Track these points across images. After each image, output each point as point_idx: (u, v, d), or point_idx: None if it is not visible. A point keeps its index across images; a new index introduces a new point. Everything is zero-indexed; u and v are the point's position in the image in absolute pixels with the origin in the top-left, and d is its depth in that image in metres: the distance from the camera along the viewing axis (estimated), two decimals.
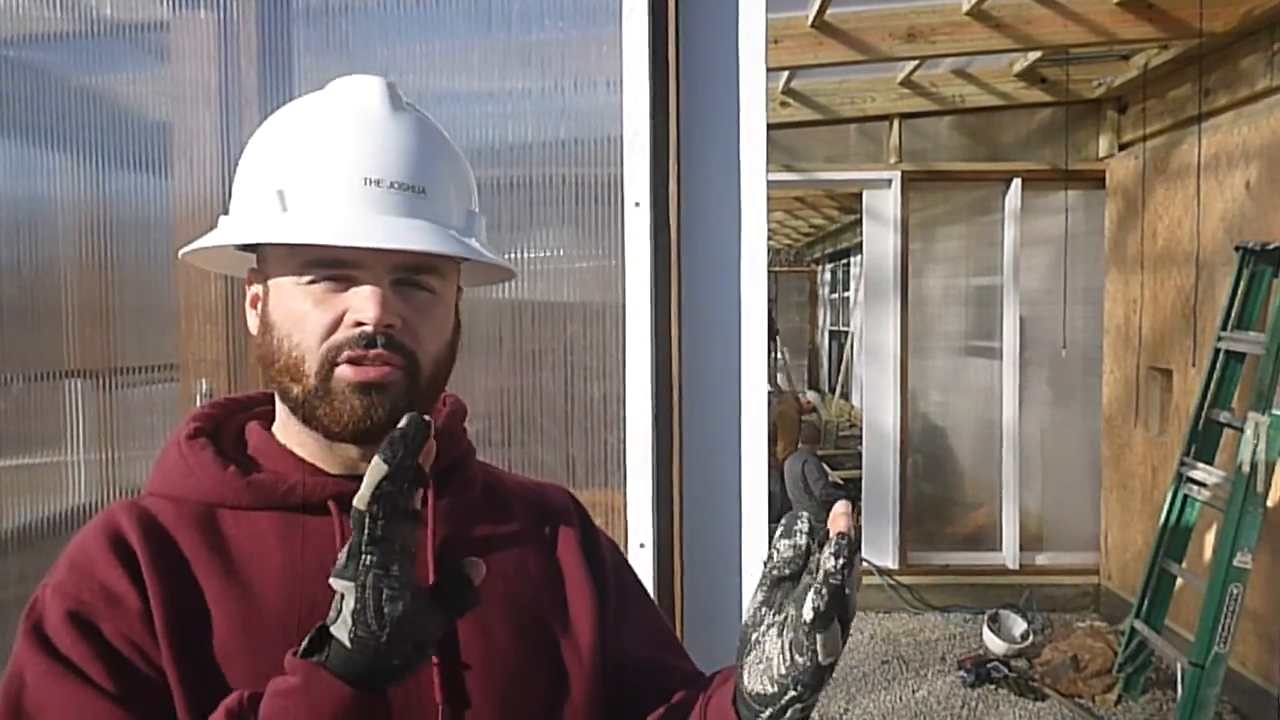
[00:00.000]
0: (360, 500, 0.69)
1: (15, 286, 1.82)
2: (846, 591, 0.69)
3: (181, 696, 0.77)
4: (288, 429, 0.89)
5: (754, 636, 0.73)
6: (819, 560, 0.69)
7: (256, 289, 0.89)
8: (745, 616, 0.75)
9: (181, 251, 0.92)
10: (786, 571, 0.72)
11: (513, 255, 1.73)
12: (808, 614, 0.68)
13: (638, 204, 1.64)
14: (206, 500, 0.85)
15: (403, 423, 0.69)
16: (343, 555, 0.69)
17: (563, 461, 1.73)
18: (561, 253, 1.76)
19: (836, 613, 0.68)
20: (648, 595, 1.05)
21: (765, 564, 0.74)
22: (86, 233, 1.79)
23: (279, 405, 0.90)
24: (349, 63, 1.75)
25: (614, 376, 1.68)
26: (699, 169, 1.68)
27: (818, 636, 0.68)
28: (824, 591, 0.68)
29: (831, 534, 0.70)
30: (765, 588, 0.74)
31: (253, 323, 0.90)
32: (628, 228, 1.65)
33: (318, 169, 0.83)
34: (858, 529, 0.73)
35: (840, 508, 0.72)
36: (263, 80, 1.73)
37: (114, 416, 1.82)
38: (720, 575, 1.72)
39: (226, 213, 0.90)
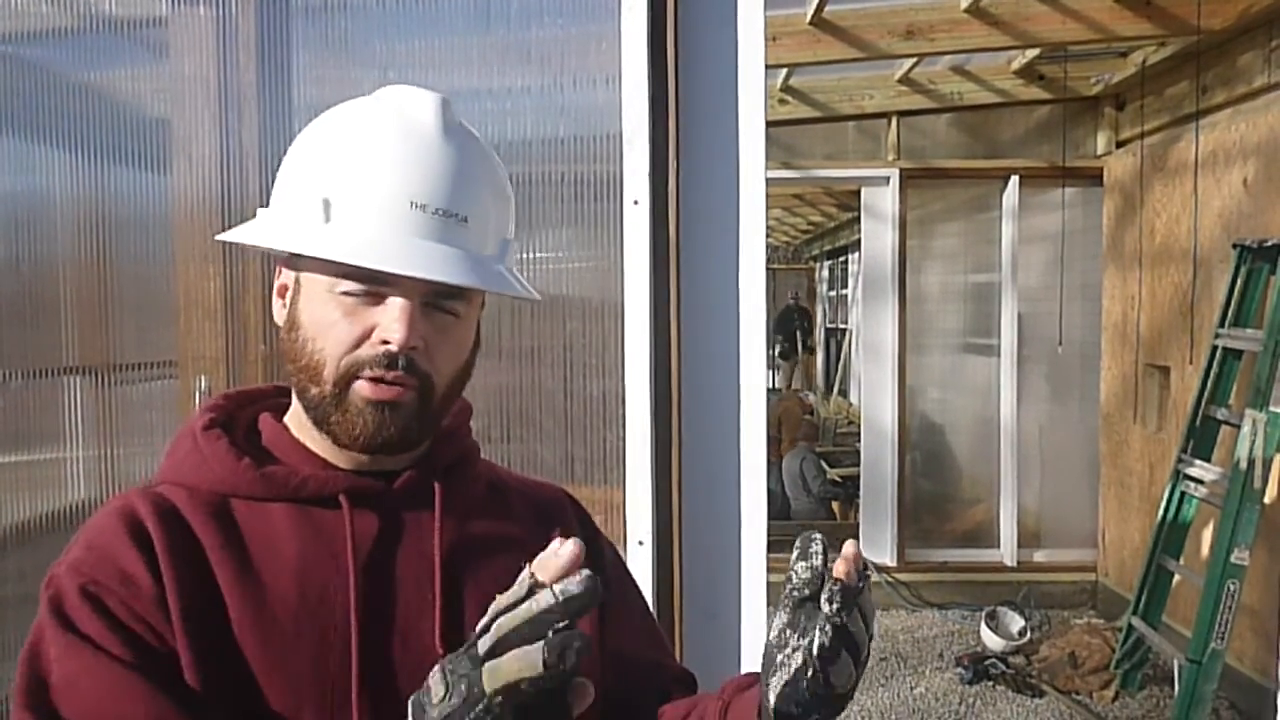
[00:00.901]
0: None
1: (14, 283, 1.82)
2: (851, 630, 0.74)
3: (195, 676, 0.79)
4: (301, 423, 0.91)
5: (779, 658, 0.76)
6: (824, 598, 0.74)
7: (287, 279, 0.90)
8: (770, 636, 0.78)
9: (218, 236, 0.93)
10: (806, 593, 0.76)
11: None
12: (814, 649, 0.73)
13: (636, 201, 1.65)
14: (220, 490, 0.86)
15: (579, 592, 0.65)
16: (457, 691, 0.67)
17: (562, 459, 1.74)
18: (561, 250, 1.76)
19: (843, 647, 0.73)
20: (641, 595, 1.08)
21: (785, 585, 0.77)
22: (85, 229, 1.79)
23: (294, 399, 0.91)
24: (347, 59, 1.75)
25: (613, 374, 1.68)
26: (698, 166, 1.68)
27: (829, 670, 0.73)
28: (827, 629, 0.73)
29: (830, 578, 0.75)
30: (788, 609, 0.77)
31: (278, 313, 0.91)
32: (627, 225, 1.66)
33: (365, 184, 0.83)
34: (862, 564, 0.76)
35: (848, 549, 0.77)
36: (261, 76, 1.73)
37: (113, 413, 1.82)
38: (719, 572, 1.72)
39: (265, 205, 0.90)
